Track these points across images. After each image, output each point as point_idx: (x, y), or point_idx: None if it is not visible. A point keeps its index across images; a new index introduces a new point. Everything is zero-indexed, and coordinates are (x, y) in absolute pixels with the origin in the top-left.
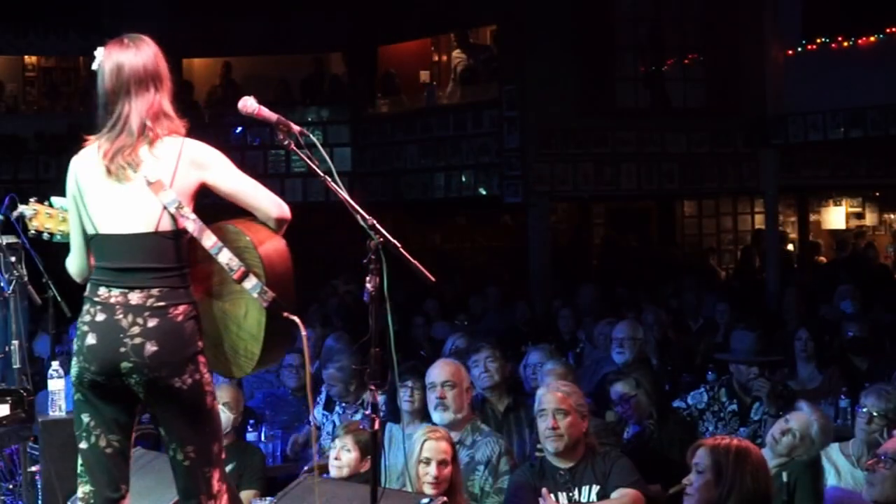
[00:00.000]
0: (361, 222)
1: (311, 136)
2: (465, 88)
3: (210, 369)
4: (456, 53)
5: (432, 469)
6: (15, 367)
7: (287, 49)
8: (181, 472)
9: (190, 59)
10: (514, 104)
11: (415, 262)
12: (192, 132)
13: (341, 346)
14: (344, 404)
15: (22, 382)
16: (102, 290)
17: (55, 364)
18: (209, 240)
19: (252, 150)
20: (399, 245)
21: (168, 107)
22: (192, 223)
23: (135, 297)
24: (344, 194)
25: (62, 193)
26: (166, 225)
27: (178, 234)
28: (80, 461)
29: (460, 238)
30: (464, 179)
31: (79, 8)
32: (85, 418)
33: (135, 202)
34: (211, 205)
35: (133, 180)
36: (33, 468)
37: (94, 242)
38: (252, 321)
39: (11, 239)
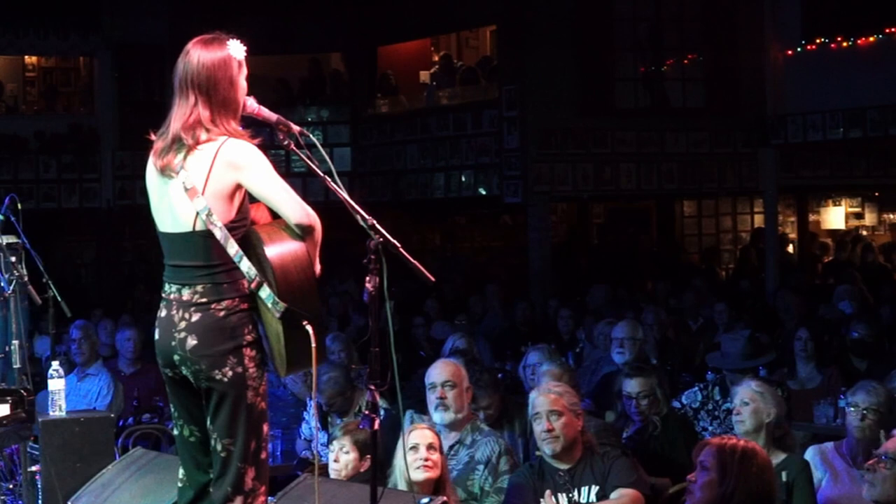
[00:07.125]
0: (361, 222)
1: (311, 136)
2: (465, 88)
3: (267, 364)
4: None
5: (422, 452)
6: (15, 367)
7: (287, 49)
8: (218, 461)
9: None
10: (513, 104)
11: (415, 262)
12: None
13: (335, 350)
14: (337, 413)
15: (22, 382)
16: (166, 288)
17: (55, 364)
18: (232, 248)
19: None
20: (399, 245)
21: (209, 117)
22: (219, 230)
23: (185, 294)
24: (344, 194)
25: (62, 192)
26: (201, 226)
27: (213, 234)
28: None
29: (460, 238)
30: (464, 179)
31: (79, 8)
32: (172, 408)
33: (176, 203)
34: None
35: (175, 182)
36: (33, 468)
37: (160, 240)
38: (278, 326)
39: (11, 239)
